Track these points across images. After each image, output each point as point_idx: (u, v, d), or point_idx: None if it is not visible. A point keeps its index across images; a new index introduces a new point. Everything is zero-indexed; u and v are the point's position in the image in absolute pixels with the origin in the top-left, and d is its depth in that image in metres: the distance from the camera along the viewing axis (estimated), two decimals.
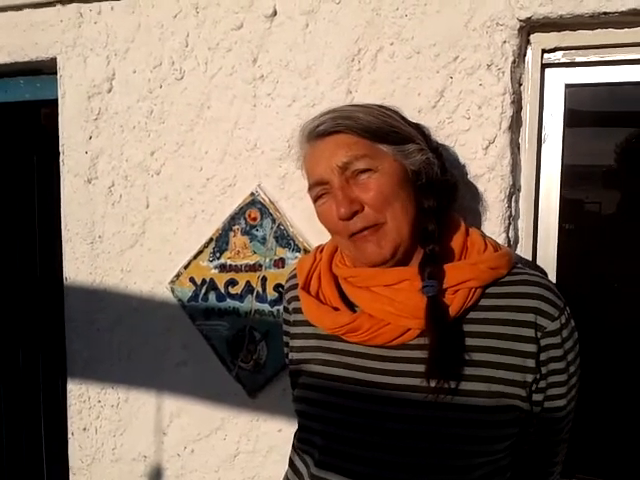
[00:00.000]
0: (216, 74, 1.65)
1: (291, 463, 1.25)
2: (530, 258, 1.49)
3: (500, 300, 1.09)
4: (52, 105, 1.91)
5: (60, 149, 1.87)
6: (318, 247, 1.30)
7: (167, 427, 1.83)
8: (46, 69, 1.93)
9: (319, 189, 1.12)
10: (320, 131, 1.11)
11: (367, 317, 1.10)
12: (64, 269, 1.91)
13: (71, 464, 1.99)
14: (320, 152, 1.12)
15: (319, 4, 1.52)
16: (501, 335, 1.06)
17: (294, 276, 1.30)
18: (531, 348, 1.06)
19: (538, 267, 1.49)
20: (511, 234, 1.45)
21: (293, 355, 1.27)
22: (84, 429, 1.94)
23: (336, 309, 1.16)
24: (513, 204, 1.45)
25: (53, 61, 1.85)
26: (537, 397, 1.09)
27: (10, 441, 2.61)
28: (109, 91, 1.78)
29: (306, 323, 1.21)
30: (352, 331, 1.10)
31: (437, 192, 1.13)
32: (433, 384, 1.02)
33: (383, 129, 1.10)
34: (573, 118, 1.47)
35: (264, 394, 1.69)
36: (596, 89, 1.47)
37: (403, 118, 1.17)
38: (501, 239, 1.43)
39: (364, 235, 1.09)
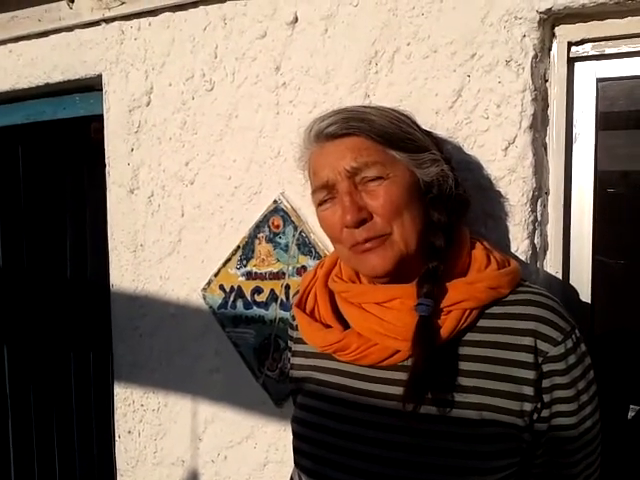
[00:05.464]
0: (242, 84, 1.67)
1: None
2: (560, 265, 1.39)
3: (499, 321, 1.01)
4: (100, 120, 2.00)
5: (106, 161, 1.95)
6: (320, 262, 1.25)
7: (202, 433, 1.85)
8: (96, 85, 2.02)
9: (324, 194, 1.06)
10: (330, 132, 1.04)
11: (356, 336, 1.04)
12: (110, 276, 1.99)
13: (118, 466, 2.06)
14: (328, 154, 1.05)
15: (337, 8, 1.50)
16: (497, 360, 0.99)
17: (299, 292, 1.27)
18: (529, 375, 0.97)
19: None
20: (537, 240, 1.36)
21: (293, 373, 1.24)
22: (129, 432, 2.01)
23: (329, 326, 1.11)
24: (539, 208, 1.35)
25: (99, 77, 1.94)
26: (540, 427, 0.99)
27: (62, 442, 2.74)
28: (148, 104, 1.85)
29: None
30: (341, 350, 1.06)
31: (448, 206, 1.06)
32: (409, 409, 0.95)
33: (398, 135, 1.04)
34: (608, 116, 1.36)
35: (290, 403, 1.67)
36: (631, 83, 1.35)
37: (416, 124, 1.11)
38: (524, 245, 1.34)
39: (367, 247, 1.02)
